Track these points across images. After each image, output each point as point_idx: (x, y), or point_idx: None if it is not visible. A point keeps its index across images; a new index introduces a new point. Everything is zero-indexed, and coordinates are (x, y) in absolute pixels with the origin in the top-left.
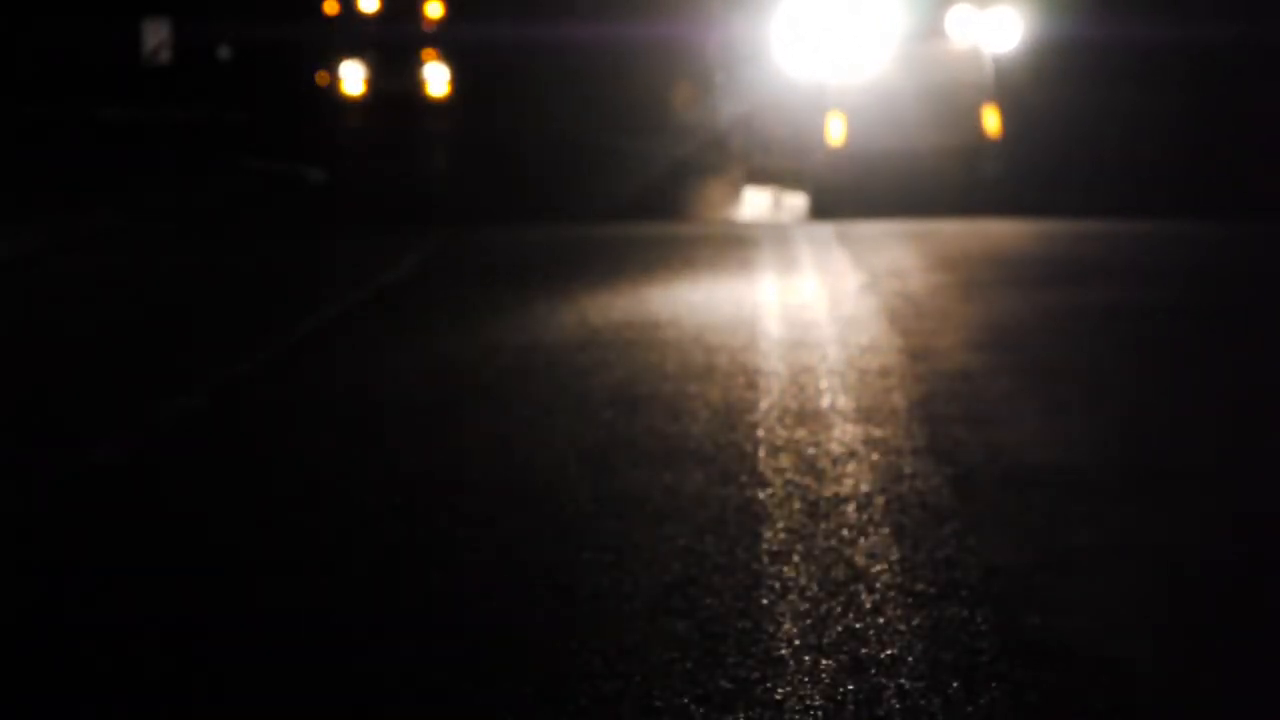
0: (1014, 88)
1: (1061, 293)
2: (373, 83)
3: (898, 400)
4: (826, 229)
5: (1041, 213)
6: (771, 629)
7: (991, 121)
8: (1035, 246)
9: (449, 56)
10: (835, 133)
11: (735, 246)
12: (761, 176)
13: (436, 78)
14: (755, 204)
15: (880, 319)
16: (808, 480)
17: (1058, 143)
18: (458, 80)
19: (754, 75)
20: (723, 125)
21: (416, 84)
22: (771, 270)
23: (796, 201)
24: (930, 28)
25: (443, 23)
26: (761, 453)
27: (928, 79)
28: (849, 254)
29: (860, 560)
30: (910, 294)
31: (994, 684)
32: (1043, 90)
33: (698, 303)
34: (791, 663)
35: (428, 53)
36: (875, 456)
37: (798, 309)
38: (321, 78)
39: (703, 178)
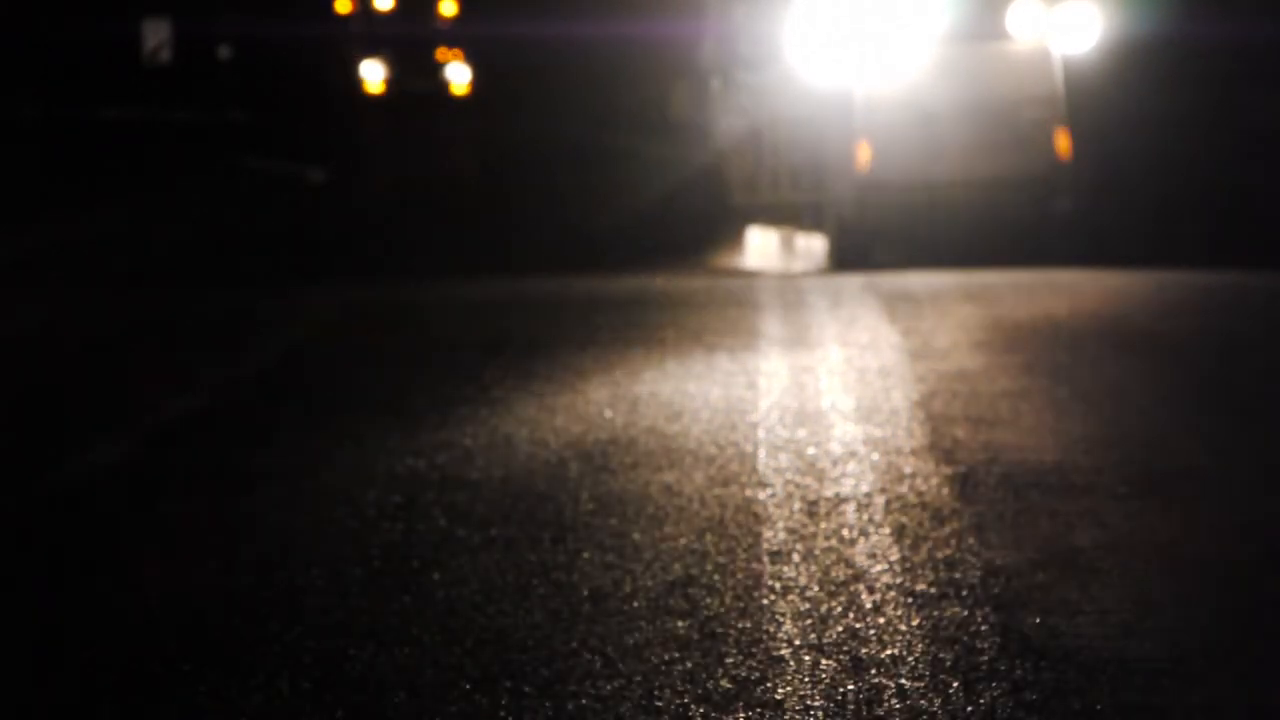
0: (1091, 101)
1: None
2: (391, 82)
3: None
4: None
5: (1128, 261)
6: (771, 629)
7: (1063, 144)
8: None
9: (466, 55)
10: (863, 158)
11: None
12: (769, 212)
13: (459, 77)
14: (761, 249)
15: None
16: (808, 480)
17: (1146, 170)
18: (462, 80)
19: (760, 83)
20: (720, 145)
21: (437, 85)
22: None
23: (813, 245)
24: (986, 26)
25: (458, 21)
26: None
27: (982, 91)
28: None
29: (860, 560)
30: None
31: (994, 684)
32: (1127, 103)
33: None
34: (791, 663)
35: (443, 52)
36: (875, 456)
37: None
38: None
39: (696, 212)
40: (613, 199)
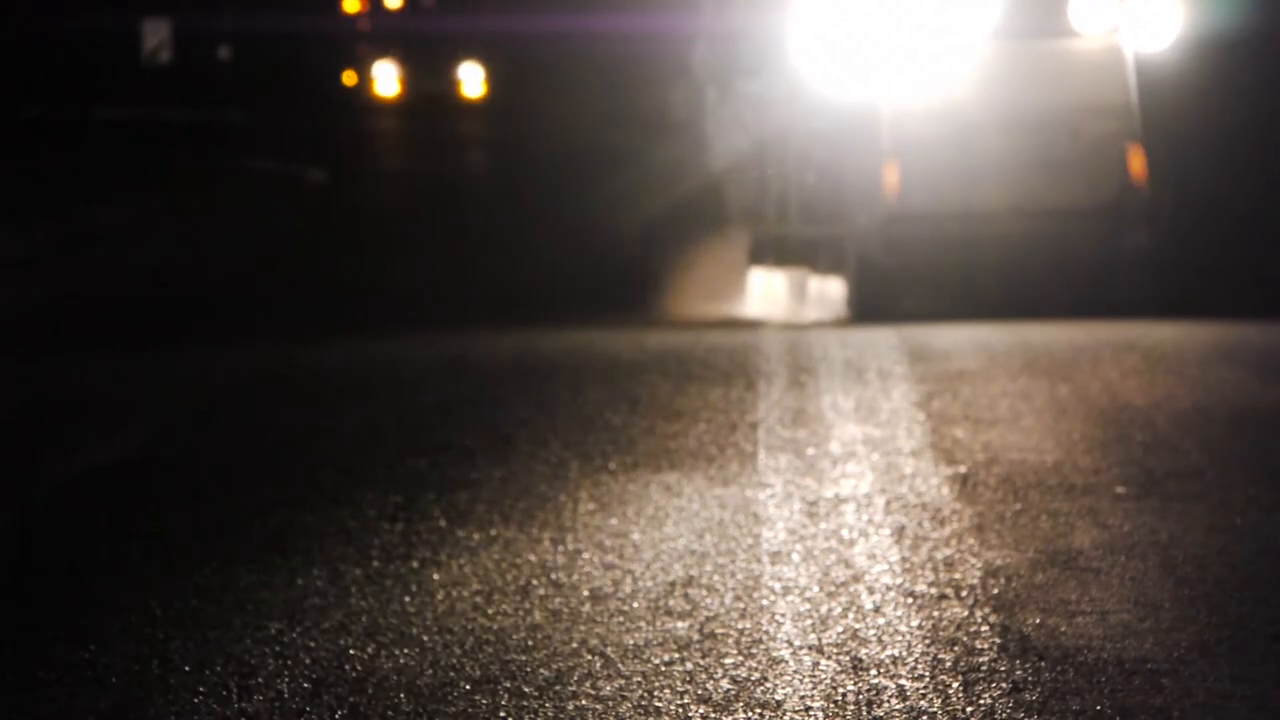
0: (1172, 111)
1: None
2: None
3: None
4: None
5: (1220, 309)
6: (771, 629)
7: (1137, 165)
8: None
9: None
10: (891, 183)
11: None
12: (776, 250)
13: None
14: (766, 295)
15: None
16: (808, 480)
17: (1239, 196)
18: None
19: (765, 91)
20: (717, 166)
21: (449, 85)
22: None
23: (829, 289)
24: (1043, 20)
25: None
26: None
27: (1037, 100)
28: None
29: (860, 560)
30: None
31: (994, 684)
32: (1216, 114)
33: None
34: (791, 663)
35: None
36: (875, 456)
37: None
38: (349, 77)
39: (687, 244)
40: (595, 222)
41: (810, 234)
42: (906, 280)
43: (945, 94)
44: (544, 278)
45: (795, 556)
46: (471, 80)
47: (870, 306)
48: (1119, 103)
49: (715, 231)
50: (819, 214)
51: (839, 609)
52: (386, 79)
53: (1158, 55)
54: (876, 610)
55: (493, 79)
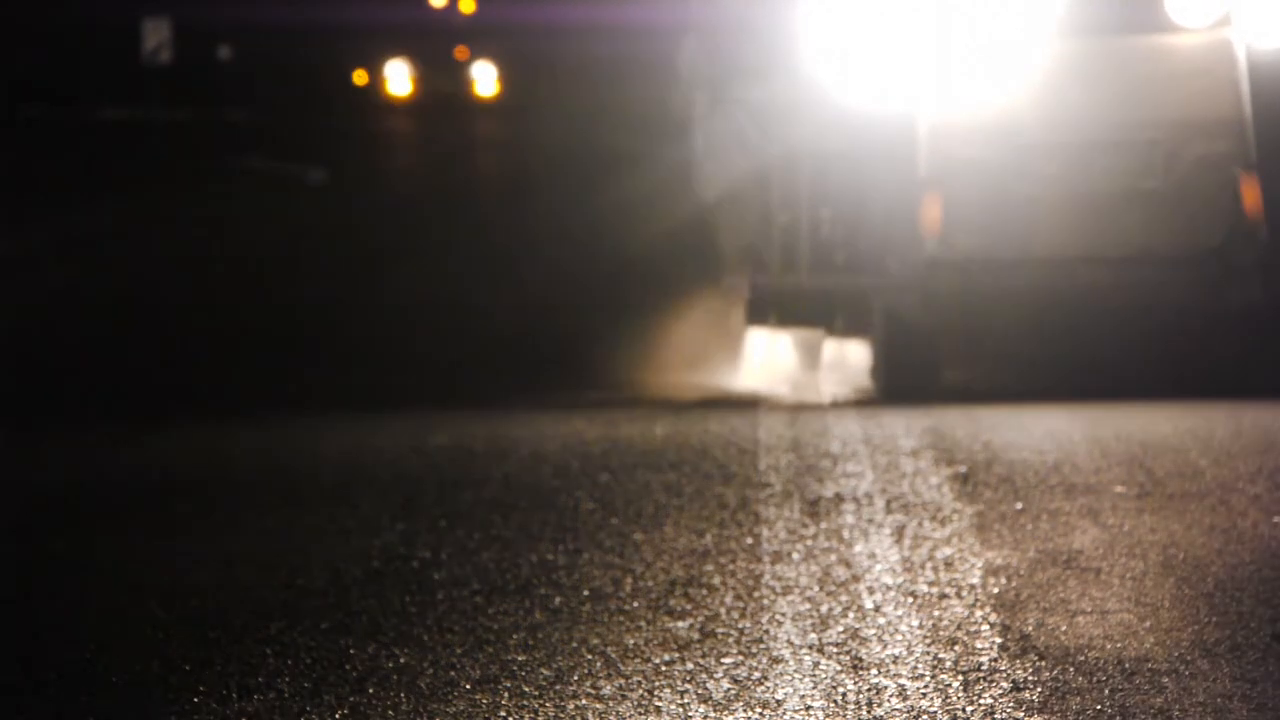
0: None
1: None
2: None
3: None
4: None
5: None
6: (771, 629)
7: (1250, 197)
8: None
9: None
10: (931, 221)
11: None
12: (781, 305)
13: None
14: (767, 365)
15: None
16: (808, 480)
17: None
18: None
19: (770, 102)
20: (708, 196)
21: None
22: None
23: (850, 357)
24: (1131, 11)
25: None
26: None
27: (1120, 114)
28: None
29: (860, 560)
30: None
31: (994, 684)
32: None
33: None
34: (791, 663)
35: (462, 50)
36: (875, 456)
37: None
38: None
39: (669, 300)
40: (574, 254)
41: (825, 285)
42: (950, 346)
43: (1001, 106)
44: (486, 345)
45: (795, 556)
46: (485, 79)
47: (902, 381)
48: (1228, 117)
49: (704, 279)
50: (836, 259)
51: (839, 609)
52: (398, 78)
53: (1278, 55)
54: (876, 610)
55: (506, 78)
